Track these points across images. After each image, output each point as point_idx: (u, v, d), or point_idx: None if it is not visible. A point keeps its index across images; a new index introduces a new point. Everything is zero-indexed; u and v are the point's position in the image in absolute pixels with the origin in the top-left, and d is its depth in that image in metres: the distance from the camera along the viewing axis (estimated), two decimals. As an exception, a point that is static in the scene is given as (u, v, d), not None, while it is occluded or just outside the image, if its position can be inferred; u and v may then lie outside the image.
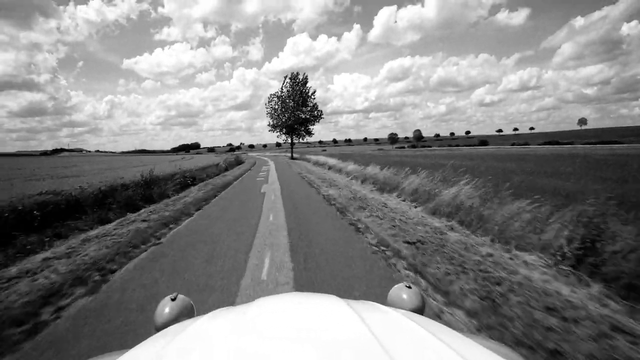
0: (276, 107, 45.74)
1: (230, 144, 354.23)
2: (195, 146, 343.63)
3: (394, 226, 5.52)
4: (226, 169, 25.37)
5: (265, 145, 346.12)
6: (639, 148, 47.15)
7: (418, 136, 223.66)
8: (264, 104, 46.79)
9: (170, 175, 13.69)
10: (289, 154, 53.26)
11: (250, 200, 8.88)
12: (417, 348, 0.50)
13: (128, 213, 8.01)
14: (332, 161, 23.15)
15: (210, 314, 0.70)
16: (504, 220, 5.00)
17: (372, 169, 13.75)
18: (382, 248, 4.48)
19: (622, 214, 3.95)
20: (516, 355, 0.74)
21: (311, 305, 0.69)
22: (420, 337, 0.53)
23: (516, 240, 4.44)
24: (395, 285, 1.01)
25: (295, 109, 44.07)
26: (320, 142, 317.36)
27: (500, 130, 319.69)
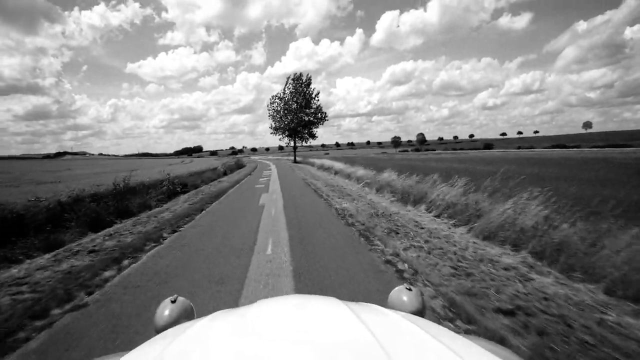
0: (278, 109, 43.96)
1: (232, 148, 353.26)
2: (197, 149, 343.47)
3: (453, 268, 3.76)
4: (225, 174, 23.74)
5: (267, 149, 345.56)
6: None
7: (421, 140, 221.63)
8: (266, 106, 45.19)
9: (159, 182, 12.04)
10: (292, 158, 51.64)
11: (244, 217, 7.11)
12: (418, 350, 0.49)
13: (90, 233, 6.34)
14: (338, 165, 21.45)
15: (210, 316, 0.69)
16: (626, 261, 3.27)
17: (388, 175, 12.03)
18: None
19: None
20: (517, 358, 0.72)
21: (311, 308, 0.67)
22: (420, 339, 0.52)
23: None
24: (396, 288, 0.97)
25: (298, 111, 42.32)
26: (323, 145, 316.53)
27: (504, 134, 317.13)
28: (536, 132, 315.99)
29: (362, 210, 7.16)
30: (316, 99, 42.91)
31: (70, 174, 24.43)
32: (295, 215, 7.00)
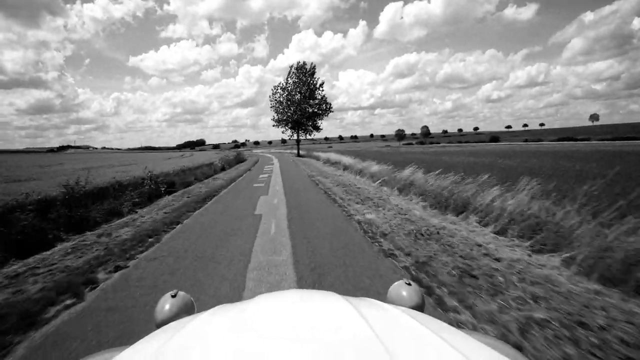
0: (281, 99, 41.70)
1: (235, 141, 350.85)
2: (200, 143, 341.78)
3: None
4: (223, 169, 21.86)
5: (270, 142, 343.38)
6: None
7: (425, 132, 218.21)
8: (268, 96, 42.96)
9: (142, 180, 10.19)
10: (295, 151, 49.58)
11: (227, 241, 4.94)
12: (418, 345, 0.48)
13: (14, 260, 4.49)
14: (347, 160, 19.49)
15: (210, 311, 0.68)
16: None
17: (410, 173, 10.09)
18: None
19: None
20: (517, 353, 0.70)
21: (311, 303, 0.66)
22: (420, 334, 0.51)
23: None
24: (395, 282, 0.95)
25: (301, 102, 40.10)
26: (326, 138, 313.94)
27: (509, 127, 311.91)
28: (542, 124, 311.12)
29: (396, 225, 5.24)
30: (320, 89, 40.66)
31: (59, 169, 22.65)
32: (304, 235, 5.02)
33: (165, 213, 6.88)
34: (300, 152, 43.52)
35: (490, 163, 16.07)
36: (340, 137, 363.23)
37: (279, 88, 41.67)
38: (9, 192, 7.57)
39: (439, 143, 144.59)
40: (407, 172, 10.54)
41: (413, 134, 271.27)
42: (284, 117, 41.20)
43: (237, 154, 34.07)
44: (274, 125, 42.67)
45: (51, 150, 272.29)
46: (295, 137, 42.79)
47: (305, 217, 6.29)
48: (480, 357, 0.47)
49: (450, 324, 0.69)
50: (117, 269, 3.89)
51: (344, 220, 6.04)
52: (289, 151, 70.37)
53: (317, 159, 28.65)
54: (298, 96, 40.18)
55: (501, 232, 5.03)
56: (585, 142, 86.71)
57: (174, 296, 0.88)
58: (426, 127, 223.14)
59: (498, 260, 3.72)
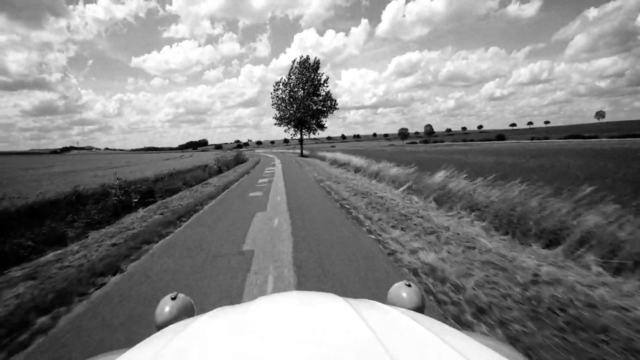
0: (283, 96, 39.39)
1: (238, 141, 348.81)
2: (203, 143, 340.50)
3: None
4: (219, 171, 19.79)
5: (272, 142, 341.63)
6: None
7: (429, 131, 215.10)
8: (270, 93, 40.67)
9: (109, 188, 8.13)
10: (298, 151, 47.42)
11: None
12: (418, 347, 0.48)
13: None
14: (356, 161, 17.35)
15: (209, 313, 0.67)
16: None
17: (446, 178, 7.96)
18: None
19: None
20: (518, 354, 0.69)
21: (311, 305, 0.65)
22: (421, 335, 0.51)
23: None
24: (395, 284, 0.93)
25: (305, 99, 37.85)
26: (329, 137, 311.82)
27: (514, 124, 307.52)
28: (547, 122, 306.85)
29: (484, 282, 3.07)
30: (325, 85, 38.40)
31: (39, 173, 20.75)
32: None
33: (113, 245, 4.71)
34: (304, 151, 41.37)
35: (523, 164, 13.90)
36: (343, 137, 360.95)
37: (281, 84, 39.43)
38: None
39: (443, 142, 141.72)
40: (437, 177, 8.43)
41: (416, 133, 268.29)
42: (287, 115, 38.97)
43: (236, 154, 32.00)
44: (276, 124, 40.49)
45: (54, 151, 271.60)
46: (298, 136, 40.62)
47: (325, 260, 3.94)
48: (482, 359, 0.46)
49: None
50: None
51: (388, 265, 3.74)
52: (291, 151, 68.08)
53: (323, 159, 26.51)
54: (301, 92, 37.97)
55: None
56: (594, 139, 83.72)
57: (173, 298, 0.86)
58: (430, 125, 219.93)
59: None
